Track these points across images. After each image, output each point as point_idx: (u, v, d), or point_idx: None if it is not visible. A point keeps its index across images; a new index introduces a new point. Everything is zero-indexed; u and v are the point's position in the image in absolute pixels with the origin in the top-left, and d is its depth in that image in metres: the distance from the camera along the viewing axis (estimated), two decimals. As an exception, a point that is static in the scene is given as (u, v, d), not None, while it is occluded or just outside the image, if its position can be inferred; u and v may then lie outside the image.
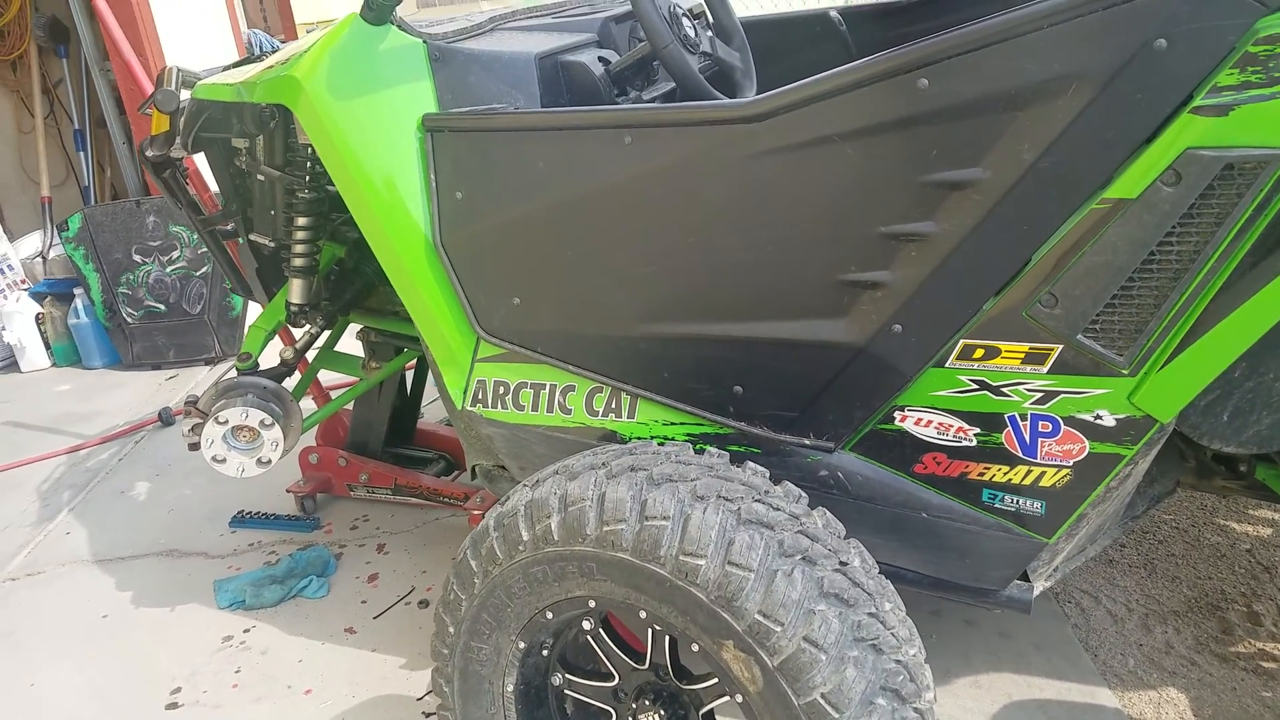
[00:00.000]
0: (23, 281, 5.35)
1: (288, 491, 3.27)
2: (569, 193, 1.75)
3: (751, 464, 1.60)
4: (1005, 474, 1.63)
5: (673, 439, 1.84)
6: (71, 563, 3.19)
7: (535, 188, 1.78)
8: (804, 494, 1.57)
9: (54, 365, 5.25)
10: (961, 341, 1.56)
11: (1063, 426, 1.55)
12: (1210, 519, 2.68)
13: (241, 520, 3.28)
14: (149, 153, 2.54)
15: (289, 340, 2.99)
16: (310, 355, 2.90)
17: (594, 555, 1.44)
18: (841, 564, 1.44)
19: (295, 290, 2.56)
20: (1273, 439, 1.70)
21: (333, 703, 2.38)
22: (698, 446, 1.80)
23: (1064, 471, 1.58)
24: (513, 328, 1.90)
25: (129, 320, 4.93)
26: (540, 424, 1.93)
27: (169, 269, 4.89)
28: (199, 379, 4.83)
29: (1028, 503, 1.64)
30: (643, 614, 1.46)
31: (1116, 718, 2.06)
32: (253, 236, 2.70)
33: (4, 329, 5.17)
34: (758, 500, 1.46)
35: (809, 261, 1.61)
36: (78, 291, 4.99)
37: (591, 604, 1.51)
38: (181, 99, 2.37)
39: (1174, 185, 1.33)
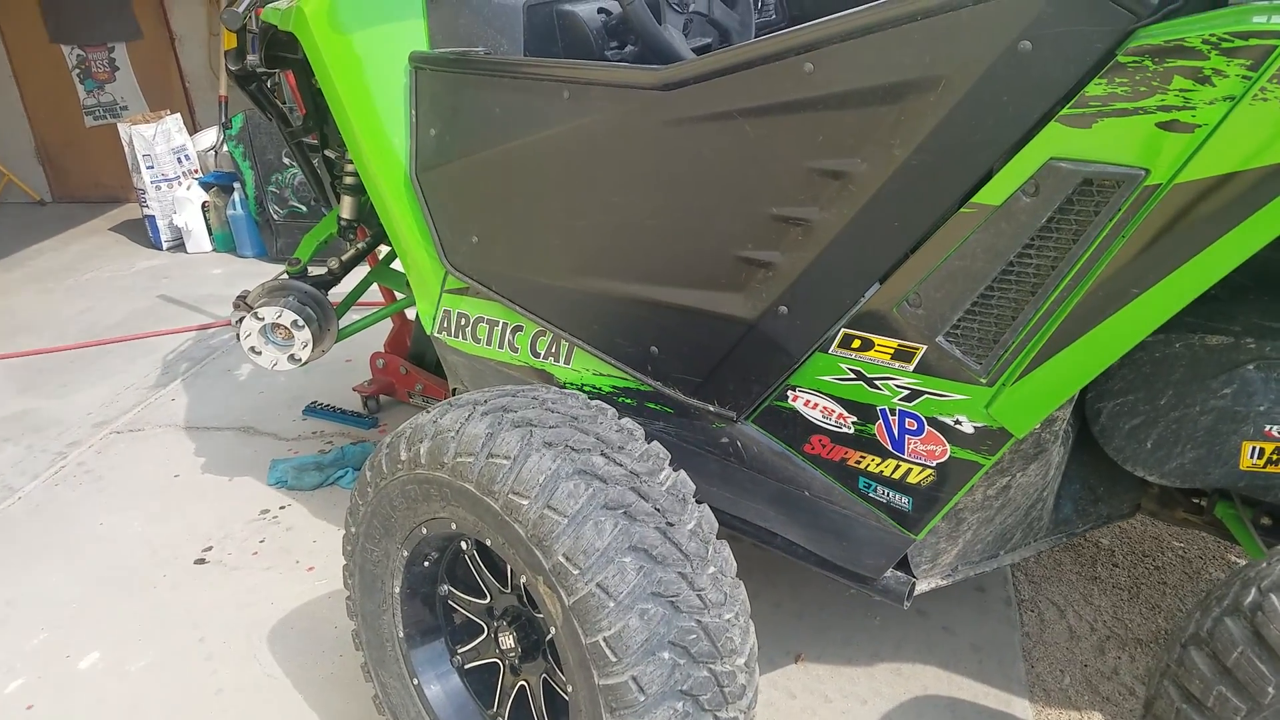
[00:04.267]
0: (195, 171, 5.98)
1: (354, 390, 3.59)
2: (518, 140, 1.85)
3: (625, 420, 1.68)
4: (878, 465, 1.63)
5: (600, 389, 1.94)
6: (168, 425, 3.66)
7: (493, 131, 1.89)
8: (665, 454, 1.63)
9: (214, 250, 5.87)
10: (842, 330, 1.56)
11: (926, 426, 1.54)
12: (1223, 554, 2.51)
13: (313, 410, 3.64)
14: (231, 66, 2.81)
15: (372, 261, 3.23)
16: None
17: (448, 482, 1.58)
18: (668, 524, 1.50)
19: (345, 206, 2.79)
20: (1195, 474, 1.62)
21: (327, 582, 2.67)
22: (618, 401, 1.89)
23: (928, 471, 1.57)
24: (472, 264, 2.03)
25: (275, 217, 5.43)
26: (493, 358, 2.07)
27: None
28: (327, 278, 5.28)
29: (896, 496, 1.64)
30: (489, 541, 1.59)
31: (1024, 731, 2.03)
32: (327, 152, 2.94)
33: (176, 213, 5.81)
34: (603, 454, 1.54)
35: (710, 234, 1.65)
36: (236, 186, 5.53)
37: (453, 526, 1.65)
38: (247, 18, 2.58)
39: (1033, 196, 1.29)
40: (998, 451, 1.48)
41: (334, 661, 2.36)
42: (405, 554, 1.76)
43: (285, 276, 2.81)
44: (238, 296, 2.76)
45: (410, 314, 3.51)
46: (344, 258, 2.92)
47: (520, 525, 1.48)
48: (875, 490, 1.66)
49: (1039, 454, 1.60)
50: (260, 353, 2.70)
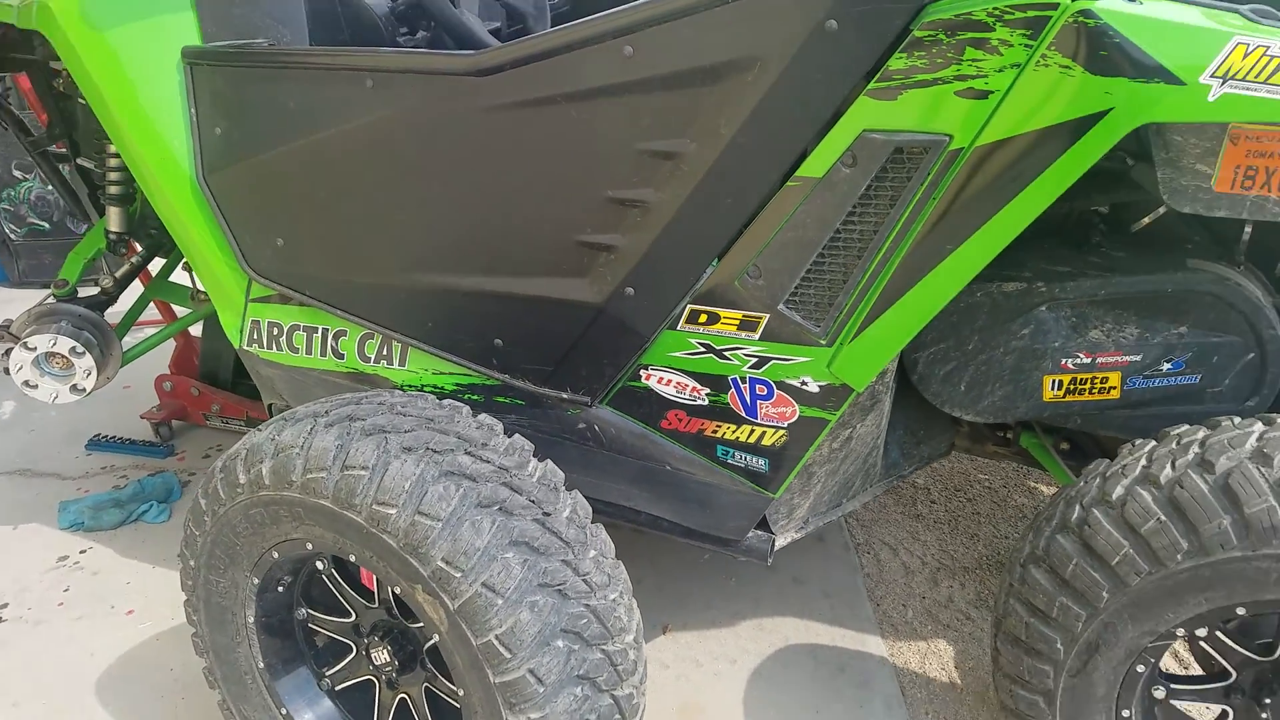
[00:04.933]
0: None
1: (142, 418, 3.28)
2: (318, 134, 1.75)
3: (483, 416, 1.64)
4: (734, 432, 1.69)
5: (442, 388, 1.88)
6: (-79, 480, 3.21)
7: (289, 126, 1.78)
8: (529, 446, 1.61)
9: (-56, 279, 5.17)
10: (688, 306, 1.60)
11: (775, 390, 1.61)
12: (1022, 481, 2.78)
13: (98, 443, 3.30)
14: (-47, 70, 2.49)
15: (145, 278, 2.96)
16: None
17: (300, 500, 1.49)
18: (543, 514, 1.49)
19: (112, 218, 2.54)
20: (1005, 409, 1.77)
21: (152, 624, 2.44)
22: (465, 399, 1.84)
23: (780, 432, 1.64)
24: (280, 269, 1.91)
25: (13, 237, 4.85)
26: (315, 367, 1.96)
27: (49, 186, 4.79)
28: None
29: (753, 460, 1.70)
30: (352, 557, 1.51)
31: (882, 666, 2.17)
32: (80, 161, 2.66)
33: (-109, 241, 5.07)
34: (468, 453, 1.50)
35: (548, 220, 1.63)
36: (-39, 206, 4.89)
37: (309, 546, 1.56)
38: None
39: (852, 167, 1.37)
40: (841, 406, 1.56)
41: (177, 705, 2.17)
42: (256, 581, 1.65)
43: (53, 300, 2.53)
44: (0, 325, 2.45)
45: (195, 330, 3.25)
46: (117, 274, 2.66)
47: (390, 536, 1.41)
48: (733, 456, 1.71)
49: (874, 405, 1.71)
50: (36, 386, 2.41)
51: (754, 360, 1.59)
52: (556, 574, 1.44)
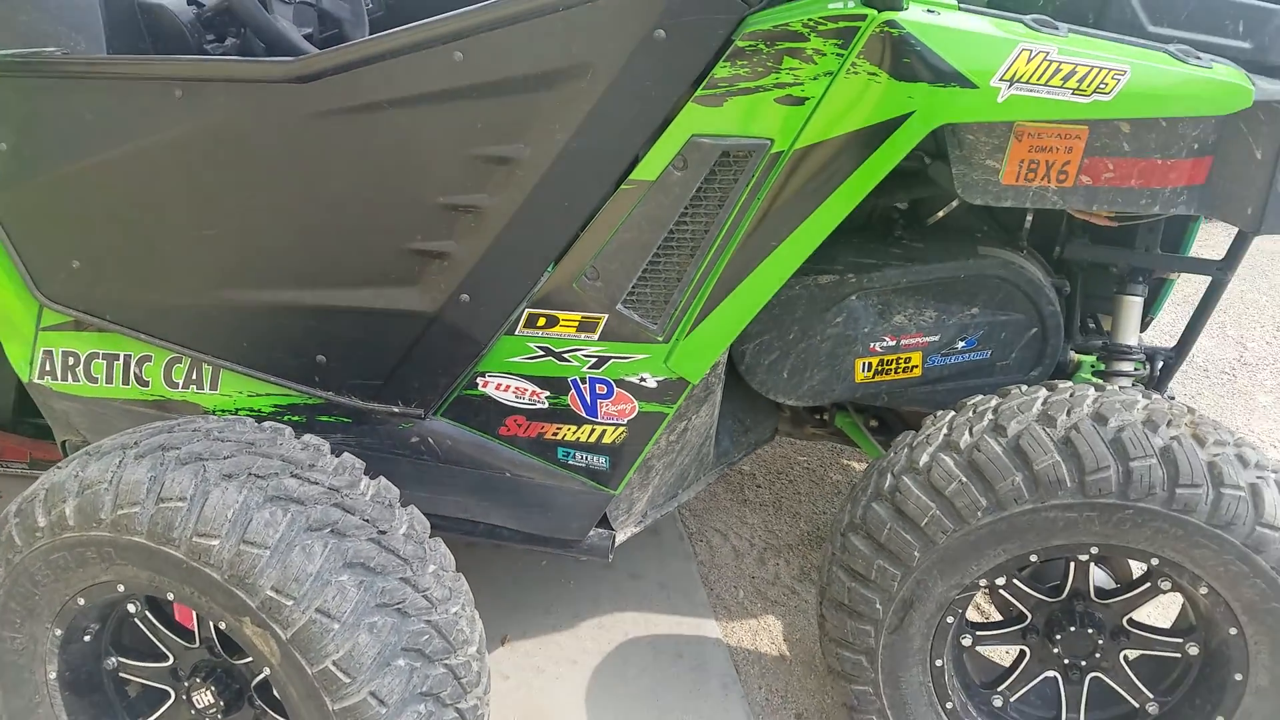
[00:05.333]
0: None
1: (-94, 465, 2.93)
2: (121, 148, 1.63)
3: (308, 436, 1.57)
4: (575, 433, 1.70)
5: (260, 410, 1.79)
6: None
7: (86, 141, 1.64)
8: (359, 464, 1.56)
9: None
10: (526, 310, 1.60)
11: (615, 389, 1.63)
12: (836, 459, 2.94)
13: None
14: None
15: None
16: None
17: (110, 540, 1.38)
18: (379, 532, 1.45)
19: None
20: (823, 392, 1.87)
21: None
22: (285, 420, 1.76)
23: (621, 429, 1.67)
24: (76, 293, 1.76)
25: None
26: (116, 397, 1.82)
27: None
28: None
29: (594, 459, 1.72)
30: (170, 595, 1.42)
31: (717, 647, 2.24)
32: None
33: None
34: (294, 475, 1.44)
35: (375, 229, 1.59)
36: None
37: (121, 588, 1.45)
38: None
39: (683, 170, 1.42)
40: (679, 399, 1.61)
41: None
42: (59, 633, 1.52)
43: None
44: None
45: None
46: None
47: (213, 569, 1.34)
48: (574, 457, 1.73)
49: (708, 396, 1.77)
50: None
51: (593, 360, 1.61)
52: (395, 592, 1.41)
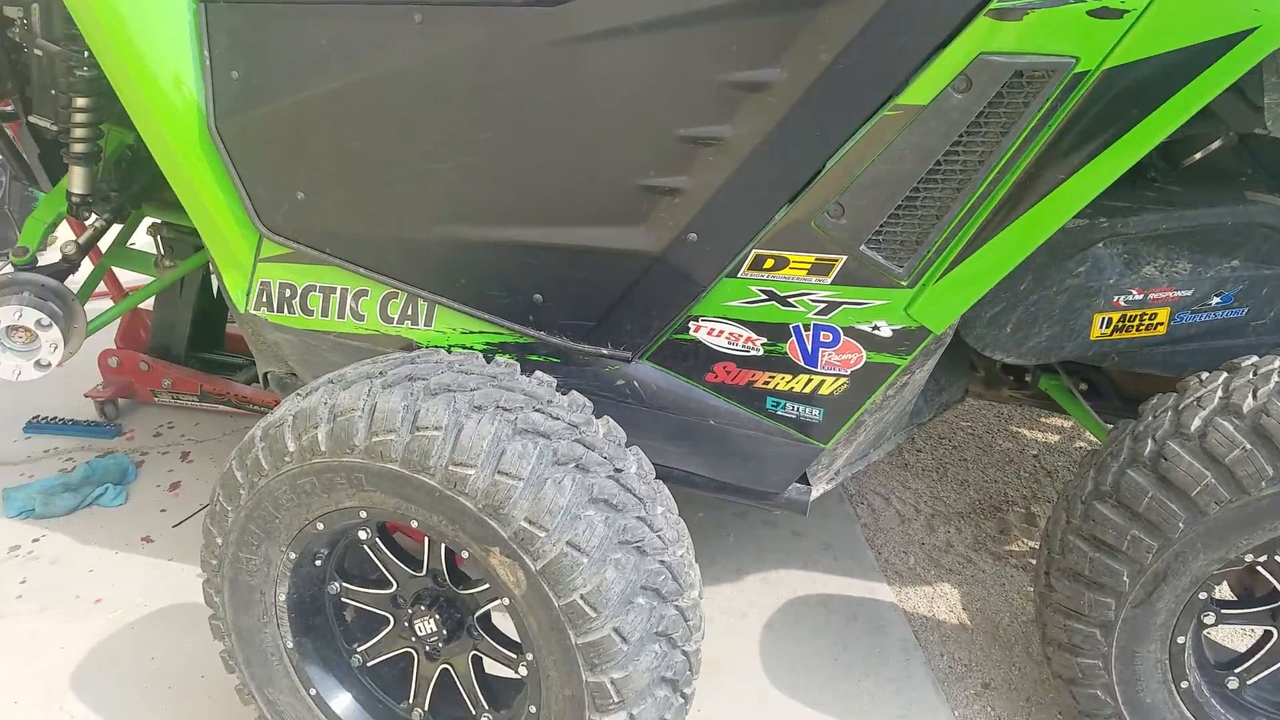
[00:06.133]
0: None
1: (86, 396, 3.06)
2: (354, 76, 1.63)
3: (539, 373, 1.57)
4: (788, 382, 1.66)
5: (471, 348, 1.79)
6: None
7: (318, 69, 1.65)
8: (589, 403, 1.56)
9: None
10: (754, 251, 1.55)
11: (843, 337, 1.58)
12: (1004, 426, 2.86)
13: (37, 425, 3.07)
14: (-105, 25, 2.24)
15: (80, 232, 2.75)
16: (103, 249, 2.69)
17: (363, 466, 1.40)
18: (616, 470, 1.44)
19: (76, 179, 2.34)
20: (1051, 350, 1.77)
21: (123, 612, 2.29)
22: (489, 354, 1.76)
23: (842, 380, 1.62)
24: (297, 225, 1.79)
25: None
26: (331, 330, 1.85)
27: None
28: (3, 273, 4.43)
29: (807, 410, 1.68)
30: (414, 523, 1.43)
31: (892, 611, 2.20)
32: (32, 118, 2.44)
33: None
34: (537, 410, 1.44)
35: (607, 164, 1.56)
36: None
37: (363, 515, 1.47)
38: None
39: (964, 92, 1.31)
40: (914, 351, 1.55)
41: (163, 695, 2.04)
42: (293, 556, 1.55)
43: (11, 269, 2.32)
44: (-48, 300, 2.24)
45: (147, 304, 3.05)
46: (80, 239, 2.46)
47: (467, 498, 1.35)
48: (784, 407, 1.69)
49: (937, 349, 1.68)
50: (-4, 362, 2.21)
51: (822, 306, 1.55)
52: (634, 530, 1.40)
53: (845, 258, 1.50)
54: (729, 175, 1.49)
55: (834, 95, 1.38)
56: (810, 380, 1.64)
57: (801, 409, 1.68)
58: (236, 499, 1.52)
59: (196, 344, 3.05)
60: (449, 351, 1.63)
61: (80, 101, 2.25)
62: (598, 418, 1.55)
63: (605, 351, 1.72)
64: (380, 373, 1.47)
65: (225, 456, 2.84)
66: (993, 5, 1.27)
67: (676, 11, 1.42)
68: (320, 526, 1.51)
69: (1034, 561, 2.34)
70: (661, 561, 1.42)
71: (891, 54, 1.34)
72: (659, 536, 1.44)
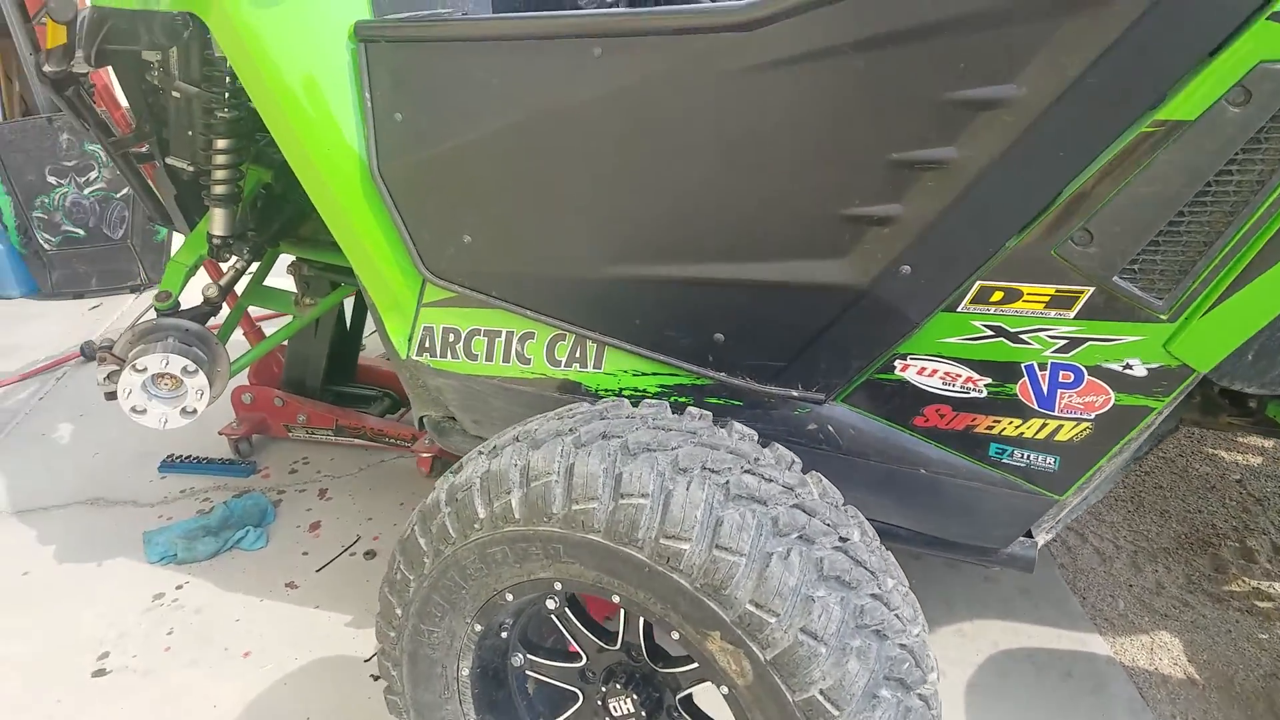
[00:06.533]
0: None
1: (220, 434, 3.04)
2: (529, 114, 1.51)
3: (738, 425, 1.42)
4: (1017, 427, 1.47)
5: (644, 391, 1.65)
6: (-13, 515, 2.95)
7: (489, 108, 1.54)
8: (796, 459, 1.40)
9: (-35, 295, 4.88)
10: (978, 283, 1.37)
11: (1087, 377, 1.39)
12: (1198, 448, 2.59)
13: (171, 465, 3.06)
14: (46, 68, 2.22)
15: (215, 275, 2.72)
16: (238, 290, 2.64)
17: (561, 536, 1.26)
18: (841, 540, 1.27)
19: (217, 221, 2.29)
20: (1302, 379, 1.54)
21: (273, 666, 2.22)
22: (672, 401, 1.62)
23: (1084, 425, 1.43)
24: (463, 269, 1.67)
25: (46, 247, 4.57)
26: (495, 374, 1.73)
27: (86, 191, 4.52)
28: (124, 308, 4.51)
29: (1040, 458, 1.48)
30: (615, 599, 1.29)
31: (1109, 666, 1.97)
32: (169, 160, 2.41)
33: (-94, 255, 4.76)
34: (747, 471, 1.28)
35: (808, 193, 1.40)
36: (-13, 215, 4.60)
37: (557, 586, 1.34)
38: (80, 6, 2.04)
39: (1242, 105, 1.14)
40: (1173, 391, 1.35)
41: (329, 762, 1.95)
42: (478, 628, 1.42)
43: (154, 315, 2.28)
44: (100, 347, 2.20)
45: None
46: (221, 281, 2.41)
47: (681, 575, 1.19)
48: (1011, 455, 1.50)
49: (1189, 385, 1.48)
50: (144, 411, 2.17)
51: (1063, 343, 1.37)
52: (872, 612, 1.23)
53: (1092, 289, 1.31)
54: (951, 201, 1.32)
55: (1081, 111, 1.21)
56: (1045, 425, 1.45)
57: (1034, 456, 1.49)
58: (420, 567, 1.40)
59: (330, 378, 3.00)
60: (624, 397, 1.48)
61: (221, 143, 2.20)
62: (812, 474, 1.39)
63: (795, 393, 1.56)
64: (571, 429, 1.34)
65: (362, 492, 2.82)
66: (1275, 7, 1.08)
67: (897, 28, 1.25)
68: (509, 597, 1.38)
69: (1261, 604, 2.08)
70: (901, 645, 1.25)
71: (1151, 65, 1.16)
72: (897, 616, 1.26)
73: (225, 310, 2.59)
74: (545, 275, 1.62)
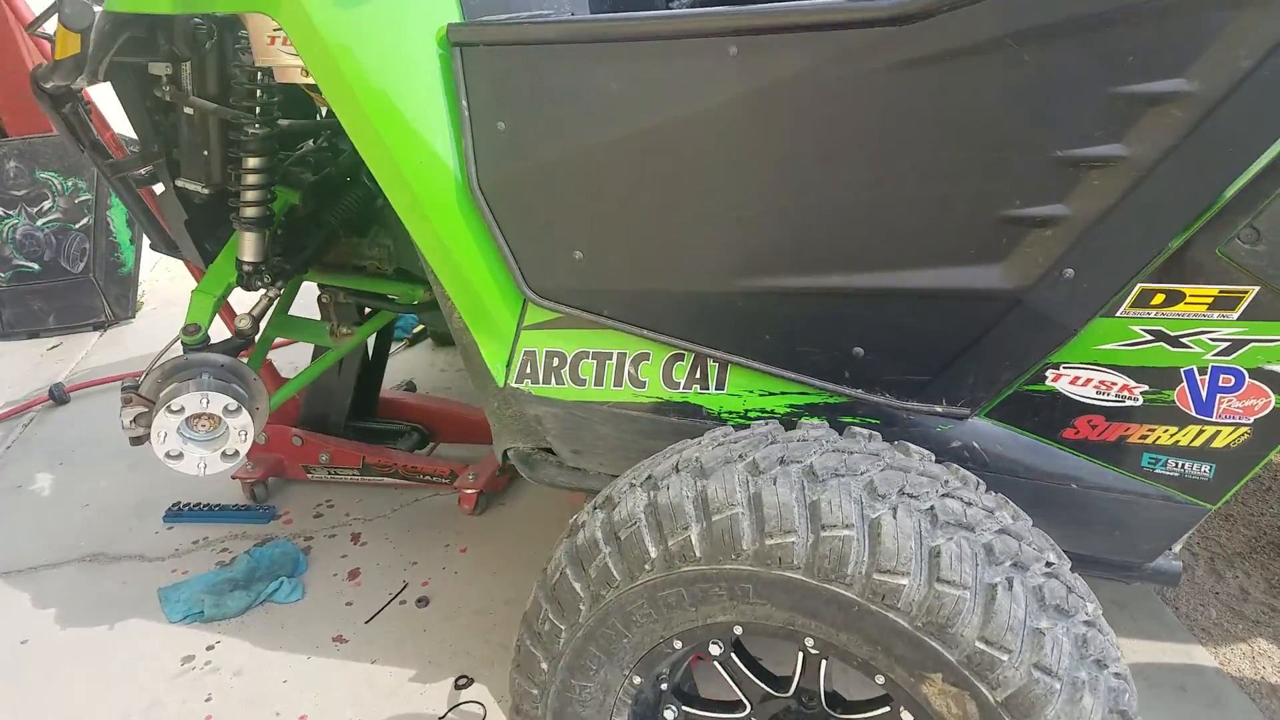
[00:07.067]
0: None
1: (234, 478, 2.84)
2: (656, 118, 1.41)
3: (907, 444, 1.34)
4: (1172, 435, 1.42)
5: (771, 411, 1.56)
6: (-26, 578, 2.70)
7: (608, 113, 1.44)
8: (980, 480, 1.32)
9: (-92, 339, 4.53)
10: (1139, 286, 1.32)
11: (1247, 379, 1.34)
12: (1249, 451, 2.59)
13: (178, 514, 2.84)
14: (48, 83, 2.04)
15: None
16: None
17: (751, 575, 1.16)
18: (1048, 565, 1.19)
19: (248, 246, 2.13)
20: None
21: (334, 727, 2.05)
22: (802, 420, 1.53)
23: (1241, 430, 1.38)
24: (572, 287, 1.56)
25: (-3, 284, 4.28)
26: (605, 400, 1.62)
27: (40, 222, 4.24)
28: (89, 347, 4.23)
29: (1194, 466, 1.43)
30: (809, 641, 1.19)
31: (1219, 678, 1.93)
32: (179, 182, 2.23)
33: None
34: (946, 495, 1.20)
35: (962, 196, 1.34)
36: (-70, 252, 4.28)
37: (737, 631, 1.23)
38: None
39: None
40: None
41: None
42: (636, 681, 1.31)
43: (182, 349, 2.11)
44: (124, 388, 2.02)
45: (285, 372, 2.83)
46: (253, 311, 2.24)
47: (899, 614, 1.10)
48: (1165, 464, 1.44)
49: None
50: (180, 456, 1.99)
51: (1224, 345, 1.32)
52: (1092, 641, 1.15)
53: (1258, 289, 1.27)
54: (1116, 200, 1.27)
55: (1255, 105, 1.17)
56: (1202, 432, 1.40)
57: (1188, 464, 1.43)
58: (573, 615, 1.28)
59: (353, 413, 2.83)
60: (800, 421, 1.39)
61: (252, 162, 2.05)
62: (997, 494, 1.31)
63: (939, 409, 1.48)
64: (741, 455, 1.24)
65: (399, 534, 2.65)
66: None
67: (1063, 17, 1.20)
68: (677, 645, 1.26)
69: (1347, 606, 2.08)
70: (1117, 675, 1.17)
71: None
72: (1109, 642, 1.19)
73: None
74: (667, 291, 1.53)
